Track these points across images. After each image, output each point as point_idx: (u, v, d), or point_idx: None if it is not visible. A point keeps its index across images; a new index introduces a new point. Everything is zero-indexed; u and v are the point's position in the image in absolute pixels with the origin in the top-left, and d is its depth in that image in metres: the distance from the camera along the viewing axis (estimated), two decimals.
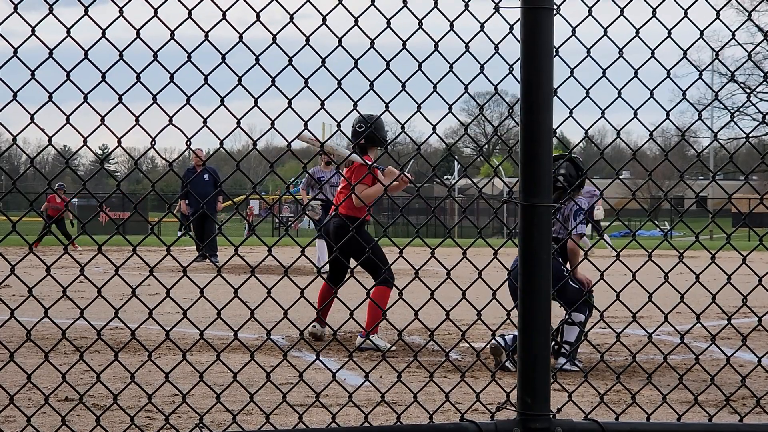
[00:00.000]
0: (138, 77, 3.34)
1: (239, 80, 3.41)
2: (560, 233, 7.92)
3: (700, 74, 4.09)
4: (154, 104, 3.40)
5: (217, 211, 21.42)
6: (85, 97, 3.31)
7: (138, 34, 3.34)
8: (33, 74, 3.24)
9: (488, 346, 8.33)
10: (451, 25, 3.62)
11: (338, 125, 3.62)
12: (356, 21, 3.53)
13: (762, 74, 4.32)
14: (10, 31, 3.42)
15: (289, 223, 44.94)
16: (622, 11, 3.83)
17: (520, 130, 3.47)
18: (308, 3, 3.54)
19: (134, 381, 3.58)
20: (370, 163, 9.01)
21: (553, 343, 7.85)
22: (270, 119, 3.50)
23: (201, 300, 3.56)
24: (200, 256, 20.29)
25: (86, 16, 3.31)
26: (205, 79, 3.41)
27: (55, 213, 27.77)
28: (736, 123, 4.45)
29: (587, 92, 3.82)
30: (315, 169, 18.11)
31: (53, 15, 3.29)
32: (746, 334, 4.48)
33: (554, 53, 3.47)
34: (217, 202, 21.33)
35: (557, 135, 3.56)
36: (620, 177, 3.88)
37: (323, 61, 3.51)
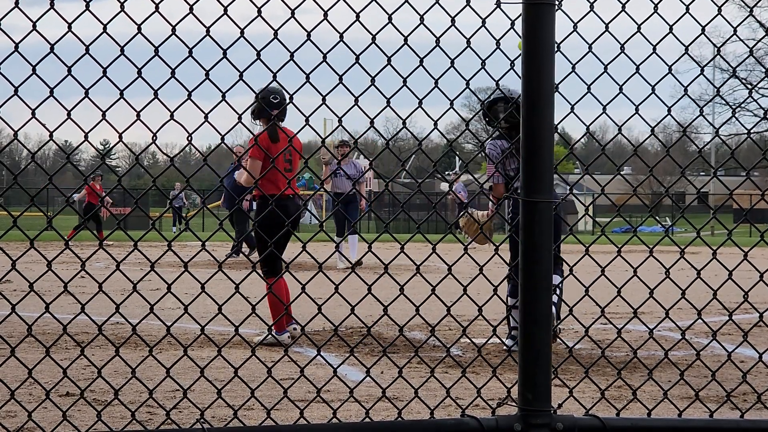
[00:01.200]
0: (139, 72, 3.34)
1: (240, 75, 3.41)
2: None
3: (702, 70, 4.09)
4: (156, 99, 3.39)
5: (243, 207, 21.35)
6: (86, 93, 3.30)
7: (139, 29, 3.34)
8: (34, 69, 3.24)
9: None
10: (453, 20, 3.62)
11: (339, 120, 3.61)
12: (357, 16, 3.53)
13: (764, 70, 4.29)
14: (12, 26, 3.42)
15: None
16: (623, 7, 3.82)
17: (521, 125, 3.47)
18: None
19: (135, 376, 3.58)
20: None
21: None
22: (271, 114, 3.49)
23: (202, 295, 3.56)
24: (235, 251, 20.71)
25: (87, 11, 3.31)
26: (207, 75, 3.41)
27: (96, 201, 28.00)
28: (737, 119, 4.45)
29: (589, 88, 3.81)
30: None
31: (54, 10, 3.29)
32: (747, 330, 4.48)
33: (556, 49, 3.47)
34: (245, 199, 21.30)
35: (558, 131, 3.56)
36: (621, 173, 3.87)
37: (324, 57, 3.51)
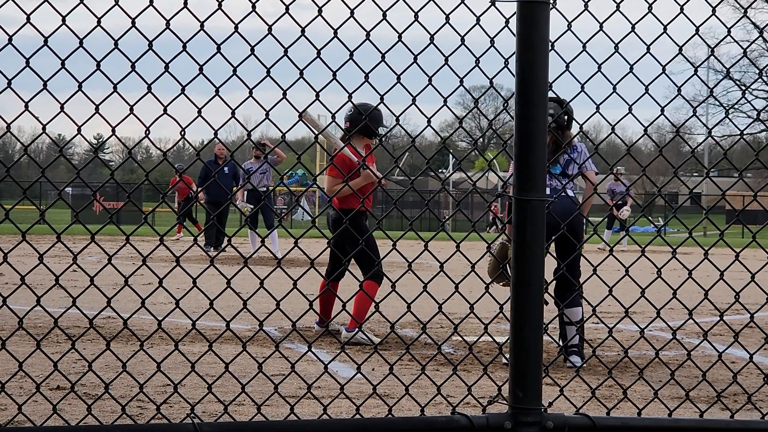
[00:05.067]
0: (133, 66, 3.33)
1: (234, 71, 3.41)
2: (567, 186, 7.41)
3: (696, 71, 4.09)
4: (149, 94, 3.39)
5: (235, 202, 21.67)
6: (80, 86, 3.30)
7: (133, 23, 3.33)
8: (28, 62, 3.24)
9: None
10: (447, 18, 3.61)
11: (333, 117, 3.61)
12: (352, 13, 3.53)
13: (757, 71, 4.30)
14: (5, 19, 3.41)
15: (282, 214, 44.83)
16: (618, 6, 3.83)
17: (515, 124, 3.47)
18: None
19: (126, 370, 3.58)
20: (356, 154, 8.93)
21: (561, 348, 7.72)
22: (265, 110, 3.50)
23: (194, 290, 3.56)
24: (211, 245, 21.02)
25: (81, 5, 3.31)
26: (200, 69, 3.40)
27: (184, 194, 28.09)
28: (730, 120, 4.46)
29: (582, 87, 3.82)
30: (245, 162, 20.54)
31: (48, 3, 3.28)
32: (738, 330, 4.48)
33: (550, 47, 3.47)
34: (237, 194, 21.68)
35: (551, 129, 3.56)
36: (615, 172, 3.87)
37: (318, 53, 3.51)
